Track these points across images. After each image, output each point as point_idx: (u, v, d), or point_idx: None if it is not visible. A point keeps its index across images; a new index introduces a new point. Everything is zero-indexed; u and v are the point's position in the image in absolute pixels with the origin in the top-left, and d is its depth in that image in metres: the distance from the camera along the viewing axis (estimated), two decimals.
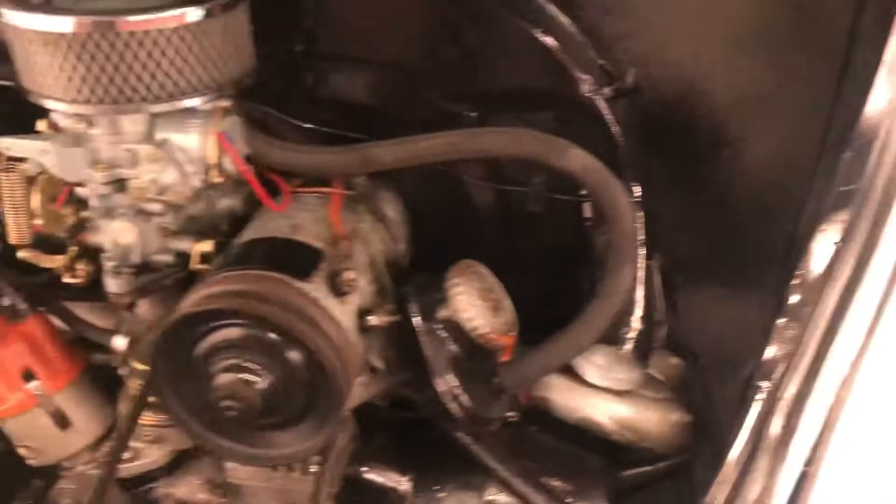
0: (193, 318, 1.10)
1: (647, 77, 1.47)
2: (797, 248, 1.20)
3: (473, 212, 1.52)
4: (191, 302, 1.12)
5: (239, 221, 1.36)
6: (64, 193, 1.24)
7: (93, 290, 1.34)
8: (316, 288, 1.15)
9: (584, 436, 1.53)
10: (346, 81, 1.45)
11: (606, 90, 1.39)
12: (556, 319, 1.37)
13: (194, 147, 1.19)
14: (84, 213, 1.26)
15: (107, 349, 1.45)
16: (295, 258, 1.18)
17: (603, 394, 1.44)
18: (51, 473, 1.71)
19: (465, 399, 1.25)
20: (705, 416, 1.55)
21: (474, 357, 1.29)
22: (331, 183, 1.35)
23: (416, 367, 1.29)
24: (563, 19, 1.41)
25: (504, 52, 1.36)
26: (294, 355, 1.11)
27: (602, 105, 1.37)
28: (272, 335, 1.10)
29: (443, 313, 1.27)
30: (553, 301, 1.45)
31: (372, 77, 1.44)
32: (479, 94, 1.41)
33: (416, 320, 1.26)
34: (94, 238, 1.30)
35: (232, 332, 1.12)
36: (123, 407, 1.40)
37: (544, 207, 1.45)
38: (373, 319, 1.21)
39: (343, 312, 1.16)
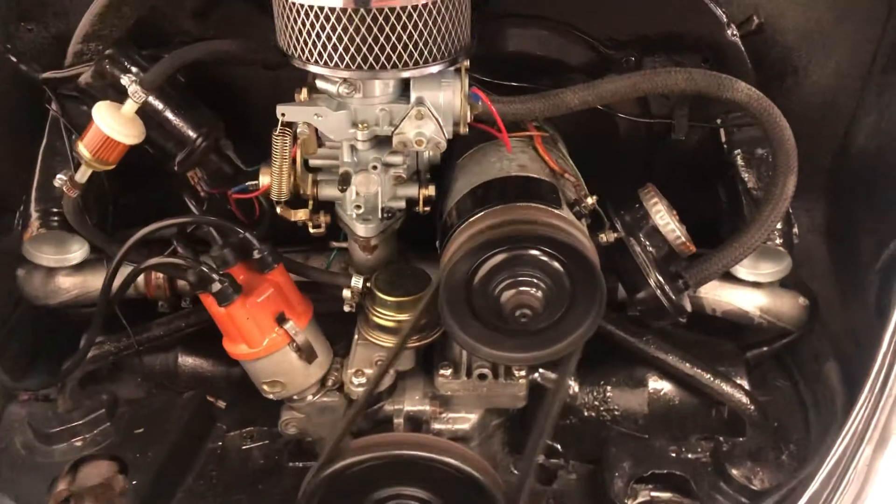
0: (478, 249, 1.31)
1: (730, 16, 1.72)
2: None
3: (623, 143, 1.75)
4: (472, 236, 1.31)
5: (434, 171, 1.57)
6: None
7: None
8: (567, 213, 1.37)
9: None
10: (517, 36, 1.65)
11: (737, 32, 1.64)
12: (698, 230, 1.64)
13: (447, 103, 1.38)
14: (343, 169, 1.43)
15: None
16: (541, 191, 1.40)
17: (749, 287, 1.74)
18: (232, 419, 1.90)
19: (671, 294, 1.51)
20: None
21: (665, 261, 1.55)
22: (525, 127, 1.56)
23: (623, 274, 1.54)
24: None
25: (661, 2, 1.59)
26: (558, 265, 1.32)
27: (742, 46, 1.62)
28: (542, 250, 1.31)
29: (643, 225, 1.52)
30: (694, 214, 1.70)
31: (540, 31, 1.64)
32: (636, 40, 1.63)
33: (624, 234, 1.51)
34: (335, 192, 1.48)
35: (506, 255, 1.33)
36: (365, 332, 1.58)
37: (686, 135, 1.70)
38: (602, 237, 1.45)
39: (585, 232, 1.39)
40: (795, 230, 1.69)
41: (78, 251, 1.74)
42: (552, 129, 1.64)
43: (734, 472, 1.66)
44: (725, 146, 1.73)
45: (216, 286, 1.45)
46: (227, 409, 1.93)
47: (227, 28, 1.64)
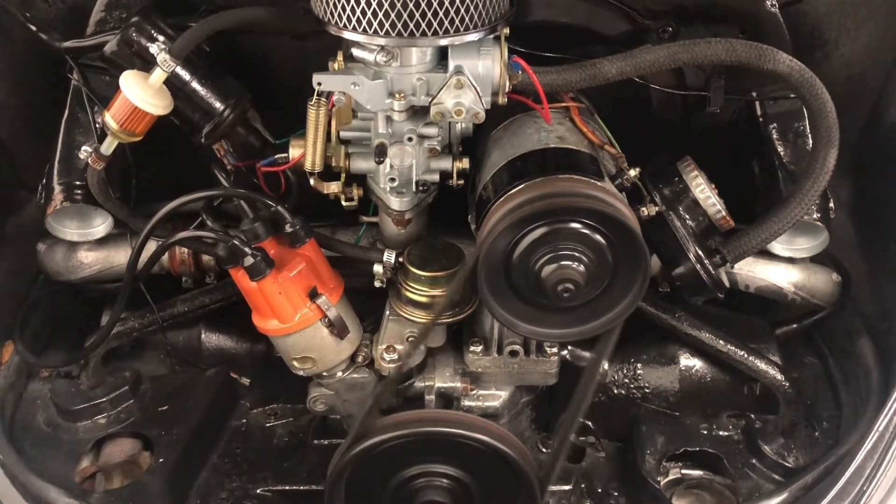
0: (518, 223, 1.27)
1: None
2: None
3: (656, 115, 1.72)
4: (511, 209, 1.28)
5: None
6: None
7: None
8: (609, 185, 1.34)
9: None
10: (553, 5, 1.61)
11: (776, 2, 1.61)
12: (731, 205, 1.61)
13: (486, 72, 1.34)
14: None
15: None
16: (582, 163, 1.37)
17: (784, 263, 1.72)
18: (255, 396, 1.88)
19: (710, 268, 1.48)
20: None
21: (704, 236, 1.52)
22: (560, 97, 1.52)
23: (660, 248, 1.52)
24: None
25: None
26: (601, 237, 1.29)
27: (780, 17, 1.59)
28: (583, 223, 1.28)
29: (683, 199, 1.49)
30: (726, 188, 1.67)
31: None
32: (674, 9, 1.59)
33: (664, 208, 1.48)
34: (366, 164, 1.45)
35: (547, 228, 1.29)
36: (397, 307, 1.56)
37: (721, 108, 1.67)
38: (644, 210, 1.42)
39: (628, 205, 1.36)
40: (832, 204, 1.67)
41: (101, 225, 1.71)
42: (587, 100, 1.60)
43: (767, 448, 1.65)
44: (761, 119, 1.71)
45: (248, 260, 1.42)
46: (250, 386, 1.90)
47: None
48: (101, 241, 1.74)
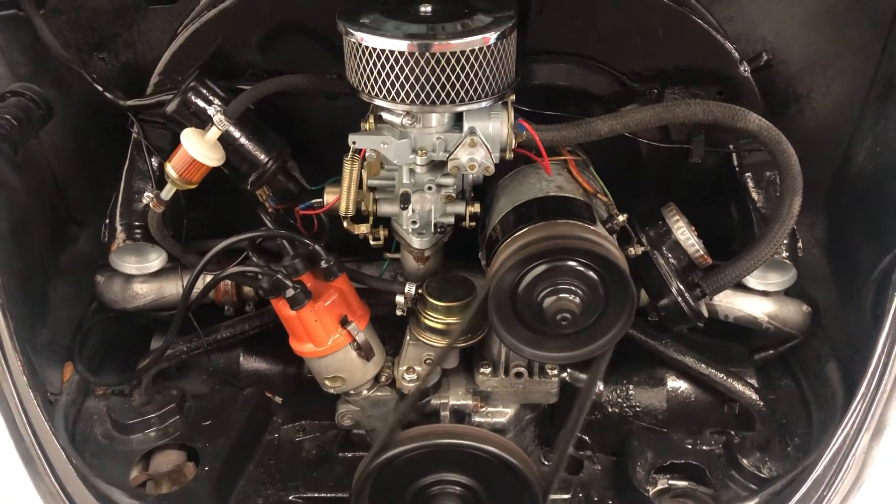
0: (522, 261, 1.49)
1: (741, 52, 1.91)
2: None
3: (645, 165, 1.94)
4: (517, 249, 1.49)
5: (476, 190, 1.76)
6: None
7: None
8: (601, 229, 1.56)
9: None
10: (552, 70, 1.84)
11: (749, 67, 1.83)
12: (711, 243, 1.82)
13: (496, 133, 1.57)
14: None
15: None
16: (577, 209, 1.59)
17: (759, 295, 1.93)
18: (286, 413, 2.08)
19: (690, 300, 1.70)
20: None
21: (685, 272, 1.74)
22: (559, 151, 1.75)
23: (647, 283, 1.73)
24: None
25: (681, 41, 1.78)
26: (594, 274, 1.50)
27: (753, 81, 1.81)
28: (579, 261, 1.49)
29: (666, 240, 1.71)
30: (708, 229, 1.88)
31: (574, 66, 1.83)
32: (659, 74, 1.82)
33: (649, 247, 1.70)
34: (391, 208, 1.67)
35: (547, 266, 1.51)
36: (417, 333, 1.77)
37: (702, 159, 1.89)
38: (631, 250, 1.64)
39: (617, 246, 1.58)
40: (800, 244, 1.89)
41: (156, 260, 1.93)
42: (583, 153, 1.82)
43: (745, 461, 1.85)
44: (737, 169, 1.93)
45: (290, 292, 1.64)
46: (282, 405, 2.11)
47: (288, 60, 1.82)
48: (155, 275, 1.96)
